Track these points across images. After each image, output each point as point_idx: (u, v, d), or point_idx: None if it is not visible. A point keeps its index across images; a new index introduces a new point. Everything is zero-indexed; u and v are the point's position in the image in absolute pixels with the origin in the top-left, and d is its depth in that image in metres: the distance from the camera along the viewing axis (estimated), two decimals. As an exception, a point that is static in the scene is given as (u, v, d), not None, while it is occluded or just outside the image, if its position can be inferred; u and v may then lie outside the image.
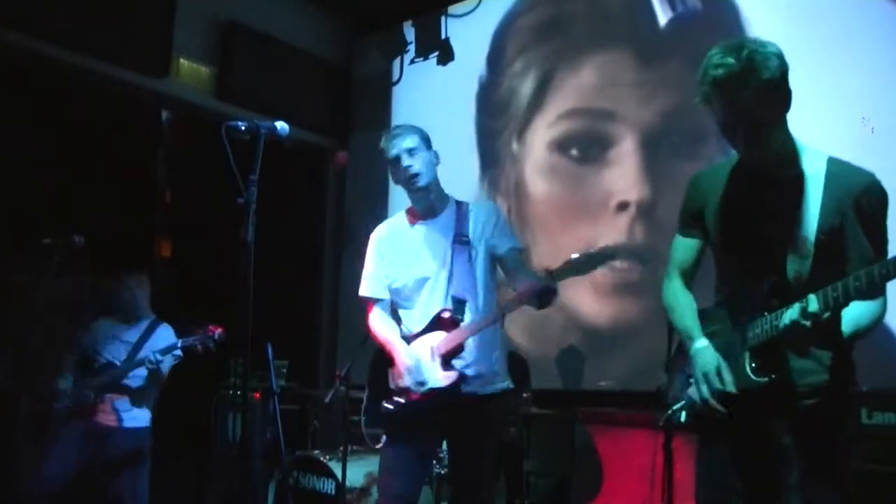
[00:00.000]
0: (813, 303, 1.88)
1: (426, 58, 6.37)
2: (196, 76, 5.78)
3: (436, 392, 2.81)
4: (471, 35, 6.13)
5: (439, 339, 2.86)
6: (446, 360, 2.82)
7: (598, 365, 5.14)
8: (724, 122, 2.04)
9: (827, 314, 1.88)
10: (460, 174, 5.96)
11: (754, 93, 1.93)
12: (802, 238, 2.00)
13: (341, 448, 4.03)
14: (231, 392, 5.07)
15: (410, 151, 2.93)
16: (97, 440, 4.19)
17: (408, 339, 2.97)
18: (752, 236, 2.13)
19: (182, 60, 5.68)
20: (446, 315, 2.87)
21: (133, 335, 4.39)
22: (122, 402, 4.28)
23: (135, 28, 5.22)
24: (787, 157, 2.09)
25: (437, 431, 3.00)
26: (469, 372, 2.84)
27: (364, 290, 3.11)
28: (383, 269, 3.07)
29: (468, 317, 2.88)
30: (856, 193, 2.00)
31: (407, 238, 3.05)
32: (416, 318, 2.98)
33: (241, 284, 2.32)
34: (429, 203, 3.03)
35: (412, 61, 6.48)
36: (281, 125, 2.59)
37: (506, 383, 2.97)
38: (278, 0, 6.30)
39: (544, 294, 2.70)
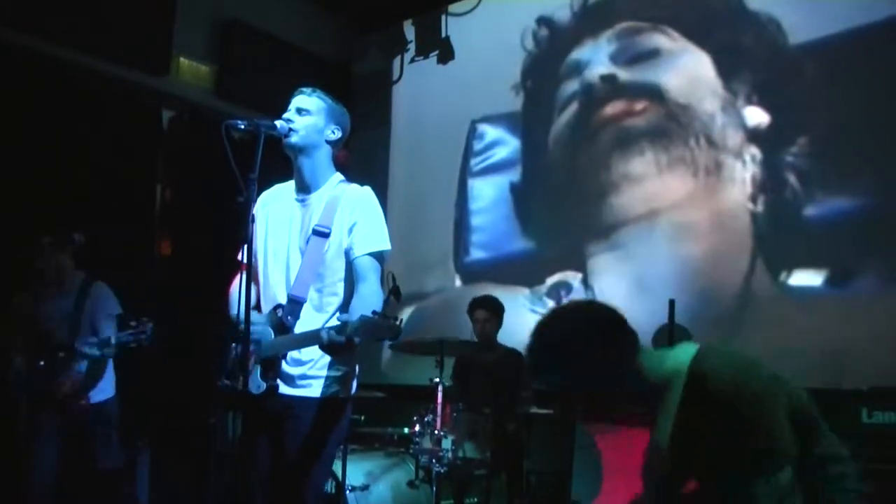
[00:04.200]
0: None
1: (426, 57, 6.38)
2: (196, 75, 5.78)
3: (250, 395, 2.49)
4: (471, 34, 6.13)
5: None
6: (265, 368, 2.53)
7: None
8: None
9: None
10: (458, 174, 5.97)
11: None
12: None
13: (341, 447, 4.02)
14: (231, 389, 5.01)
15: (300, 111, 2.67)
16: (71, 423, 3.94)
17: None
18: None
19: (182, 59, 5.68)
20: (279, 313, 2.57)
21: (67, 303, 4.01)
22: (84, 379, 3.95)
23: (135, 26, 5.23)
24: None
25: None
26: (283, 382, 2.55)
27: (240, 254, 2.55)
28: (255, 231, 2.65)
29: (303, 320, 2.56)
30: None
31: (284, 207, 2.74)
32: (261, 297, 2.71)
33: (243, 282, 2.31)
34: (300, 177, 2.71)
35: (412, 60, 6.48)
36: (280, 124, 2.59)
37: (333, 388, 2.58)
38: (279, -2, 6.31)
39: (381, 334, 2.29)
